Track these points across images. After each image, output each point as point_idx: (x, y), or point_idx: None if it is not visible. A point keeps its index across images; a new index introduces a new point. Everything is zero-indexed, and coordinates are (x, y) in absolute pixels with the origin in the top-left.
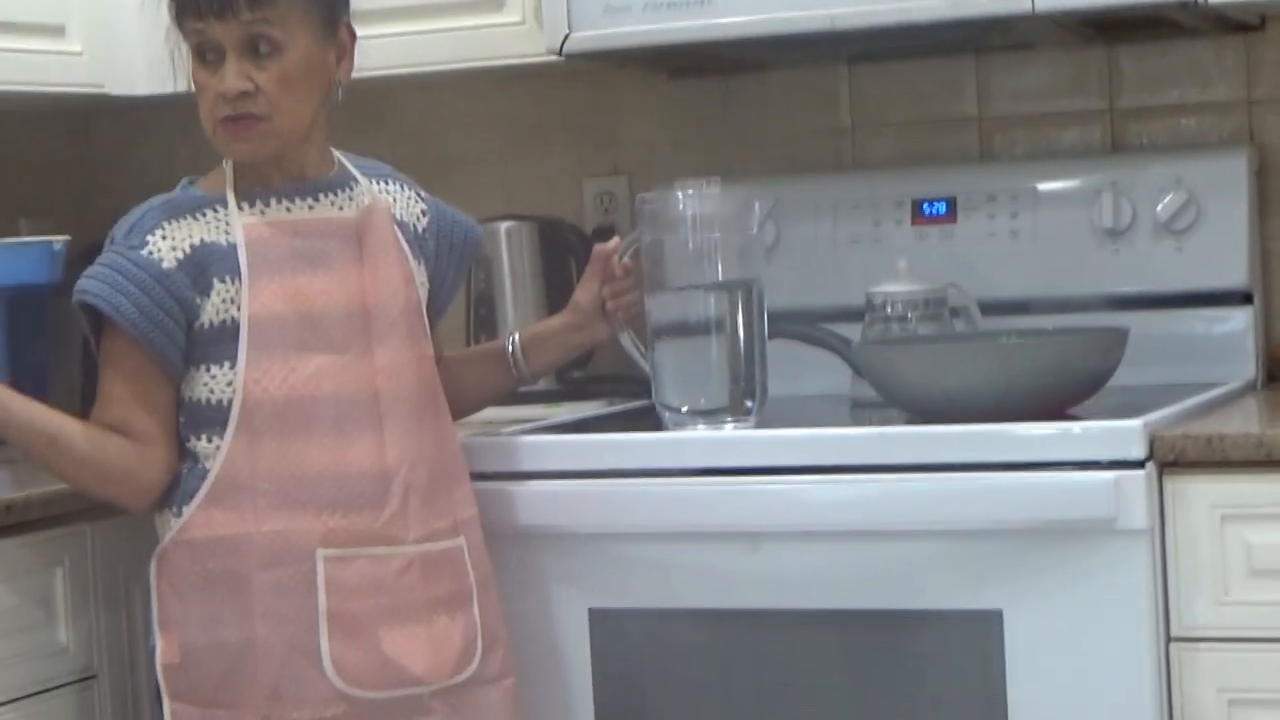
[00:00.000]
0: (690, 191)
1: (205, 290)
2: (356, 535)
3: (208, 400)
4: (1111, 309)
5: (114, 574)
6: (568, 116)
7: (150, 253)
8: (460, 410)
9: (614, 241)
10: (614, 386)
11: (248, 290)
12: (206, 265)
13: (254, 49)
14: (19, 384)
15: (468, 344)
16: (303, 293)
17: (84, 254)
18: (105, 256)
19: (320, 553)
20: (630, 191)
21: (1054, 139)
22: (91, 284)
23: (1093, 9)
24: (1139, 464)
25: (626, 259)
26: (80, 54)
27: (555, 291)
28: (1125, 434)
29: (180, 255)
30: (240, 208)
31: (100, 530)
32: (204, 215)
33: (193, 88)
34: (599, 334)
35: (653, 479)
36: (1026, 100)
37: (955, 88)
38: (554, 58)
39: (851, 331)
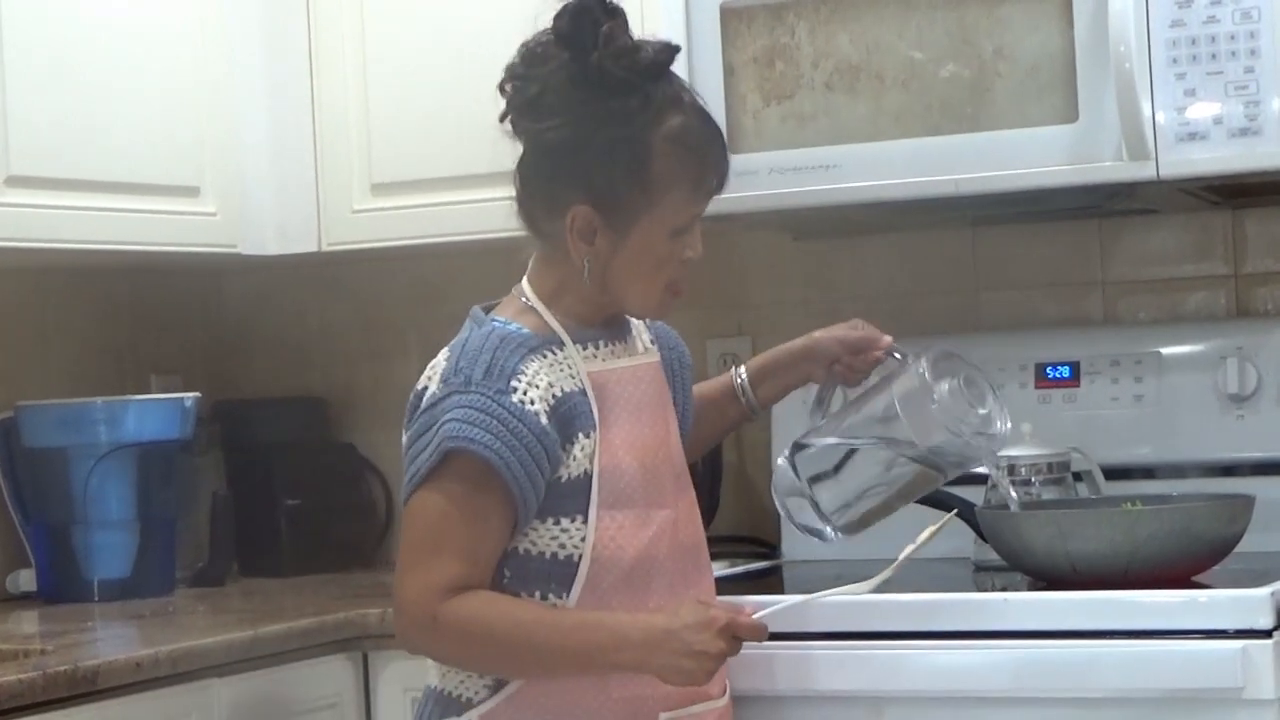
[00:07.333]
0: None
1: (569, 442)
2: (688, 694)
3: (554, 555)
4: (1236, 475)
5: None
6: (692, 276)
7: (521, 401)
8: (691, 453)
9: (887, 339)
10: (735, 548)
11: (600, 442)
12: (571, 419)
13: None
14: (148, 535)
15: None
16: (641, 444)
17: (213, 410)
18: (472, 400)
19: (663, 716)
20: (754, 352)
21: (1178, 303)
22: (470, 431)
23: (1218, 176)
24: (1267, 633)
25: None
26: (214, 215)
27: None
28: (1252, 602)
29: (548, 407)
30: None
31: (228, 685)
32: (547, 357)
33: (649, 257)
34: (818, 374)
35: (775, 643)
36: (1151, 264)
37: (1079, 251)
38: None
39: (974, 495)
